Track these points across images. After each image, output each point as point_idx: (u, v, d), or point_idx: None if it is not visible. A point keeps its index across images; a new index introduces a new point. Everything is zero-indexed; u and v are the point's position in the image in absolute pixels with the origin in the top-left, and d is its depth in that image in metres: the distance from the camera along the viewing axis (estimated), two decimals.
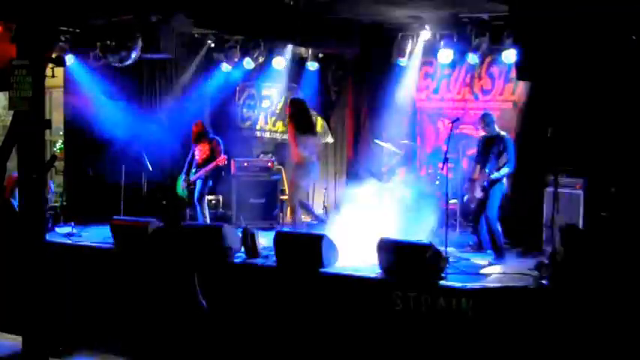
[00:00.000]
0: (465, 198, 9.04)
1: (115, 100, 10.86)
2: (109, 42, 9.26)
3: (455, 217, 9.19)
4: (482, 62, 9.90)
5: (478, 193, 8.34)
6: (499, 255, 8.15)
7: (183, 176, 10.04)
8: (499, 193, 8.25)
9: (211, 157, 9.83)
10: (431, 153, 10.02)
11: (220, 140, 9.98)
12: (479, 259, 8.19)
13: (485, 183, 8.23)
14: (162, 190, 10.89)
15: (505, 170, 8.19)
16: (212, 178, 9.98)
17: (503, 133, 8.46)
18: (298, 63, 11.35)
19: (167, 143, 11.18)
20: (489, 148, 8.32)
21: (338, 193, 11.17)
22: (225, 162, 9.89)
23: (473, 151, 9.33)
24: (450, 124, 8.28)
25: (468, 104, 10.21)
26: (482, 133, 8.57)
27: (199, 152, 9.93)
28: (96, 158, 10.82)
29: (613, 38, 7.39)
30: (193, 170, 9.90)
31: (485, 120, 8.44)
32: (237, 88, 12.19)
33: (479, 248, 8.52)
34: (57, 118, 11.71)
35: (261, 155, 11.78)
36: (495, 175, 8.17)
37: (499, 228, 8.22)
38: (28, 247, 6.50)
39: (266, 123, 12.07)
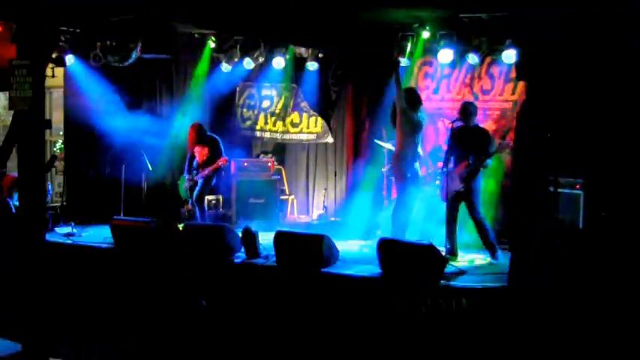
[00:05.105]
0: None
1: (115, 100, 10.85)
2: (109, 42, 9.26)
3: None
4: (482, 62, 9.87)
5: (457, 186, 8.01)
6: (495, 252, 8.05)
7: (186, 176, 10.01)
8: (479, 189, 8.08)
9: (211, 157, 9.80)
10: (431, 153, 10.00)
11: (219, 140, 9.95)
12: (479, 259, 8.18)
13: (464, 174, 7.96)
14: (162, 189, 10.91)
15: (489, 161, 7.96)
16: (214, 178, 9.95)
17: (481, 125, 8.31)
18: (298, 63, 11.34)
19: (167, 143, 11.20)
20: (470, 139, 8.01)
21: (338, 192, 11.18)
22: (227, 163, 9.88)
23: None
24: (450, 124, 8.25)
25: None
26: (458, 124, 8.12)
27: (199, 154, 9.89)
28: (96, 158, 10.83)
29: (612, 38, 7.41)
30: (194, 172, 9.89)
31: (469, 109, 8.12)
32: (237, 88, 12.17)
33: (451, 254, 7.99)
34: (57, 118, 11.72)
35: (261, 155, 11.78)
36: (485, 163, 7.91)
37: (489, 224, 8.12)
38: (27, 247, 6.48)
39: (266, 123, 12.06)
